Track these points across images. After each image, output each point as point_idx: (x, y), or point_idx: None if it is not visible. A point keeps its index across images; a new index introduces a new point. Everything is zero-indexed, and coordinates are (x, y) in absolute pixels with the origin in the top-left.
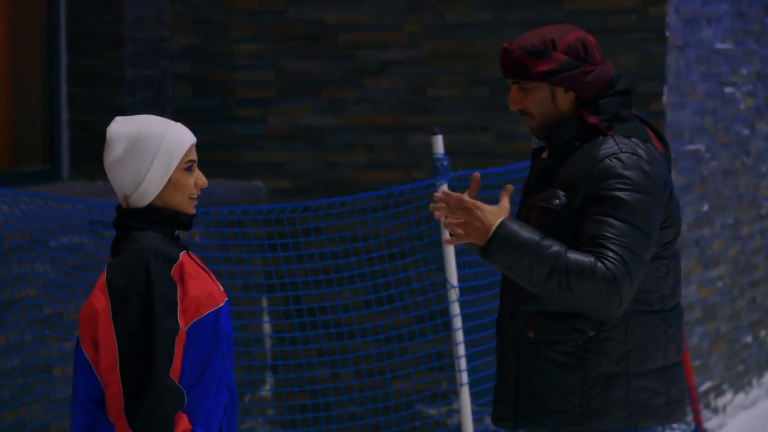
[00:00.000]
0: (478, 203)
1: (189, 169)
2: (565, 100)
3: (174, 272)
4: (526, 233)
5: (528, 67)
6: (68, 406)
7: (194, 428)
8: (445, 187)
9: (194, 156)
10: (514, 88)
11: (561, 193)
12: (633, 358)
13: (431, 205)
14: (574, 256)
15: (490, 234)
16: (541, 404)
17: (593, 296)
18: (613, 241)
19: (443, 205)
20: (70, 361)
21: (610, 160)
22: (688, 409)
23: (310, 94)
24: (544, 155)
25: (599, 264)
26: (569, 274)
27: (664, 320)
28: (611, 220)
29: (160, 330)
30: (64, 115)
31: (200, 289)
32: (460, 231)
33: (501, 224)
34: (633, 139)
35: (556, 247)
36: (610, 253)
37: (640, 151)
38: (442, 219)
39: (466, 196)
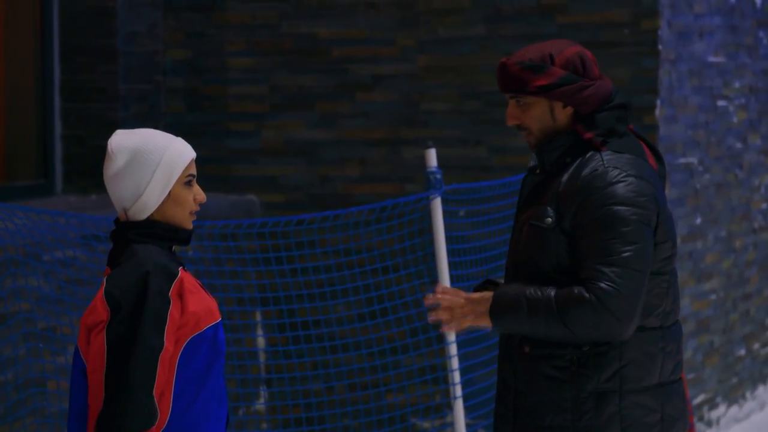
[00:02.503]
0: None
1: (188, 184)
2: (563, 115)
3: (174, 288)
4: (513, 291)
5: (526, 81)
6: (63, 420)
7: None
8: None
9: (194, 171)
10: (512, 103)
11: (551, 212)
12: (627, 375)
13: (430, 305)
14: (560, 293)
15: (490, 305)
16: (536, 420)
17: (588, 324)
18: (599, 262)
19: (442, 303)
20: (64, 375)
21: (592, 176)
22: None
23: (303, 108)
24: (539, 171)
25: (584, 292)
26: (560, 312)
27: (663, 337)
28: (598, 243)
29: (142, 346)
30: (58, 130)
31: (200, 304)
32: (465, 322)
33: (495, 295)
34: (623, 154)
35: (543, 292)
36: (599, 275)
37: (626, 166)
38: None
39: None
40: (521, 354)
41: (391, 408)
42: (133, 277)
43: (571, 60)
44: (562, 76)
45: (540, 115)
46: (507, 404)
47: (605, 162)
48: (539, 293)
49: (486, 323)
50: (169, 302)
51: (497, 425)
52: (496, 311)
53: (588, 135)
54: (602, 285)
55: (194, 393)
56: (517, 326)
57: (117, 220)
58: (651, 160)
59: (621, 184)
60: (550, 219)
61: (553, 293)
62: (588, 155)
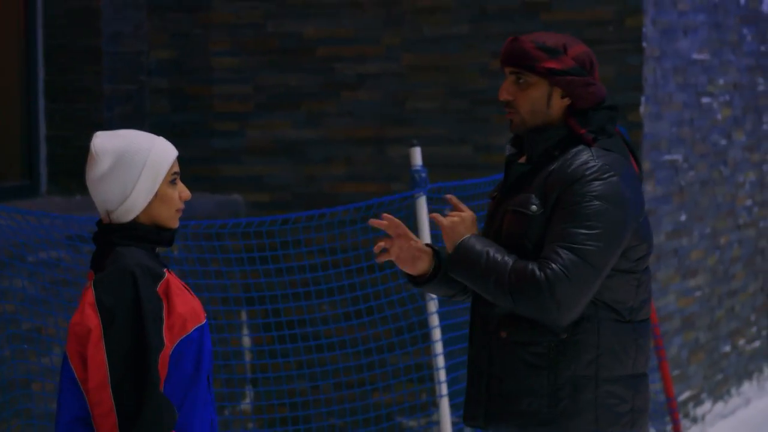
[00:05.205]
0: (410, 234)
1: (173, 183)
2: (557, 104)
3: (160, 289)
4: (480, 246)
5: (537, 60)
6: (47, 421)
7: None
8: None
9: (178, 169)
10: (511, 78)
11: (535, 199)
12: (603, 363)
13: (374, 221)
14: (517, 264)
15: (454, 247)
16: (511, 404)
17: (530, 302)
18: (564, 246)
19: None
20: (49, 377)
21: (580, 169)
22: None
23: (288, 108)
24: (522, 160)
25: (538, 270)
26: (511, 282)
27: (635, 330)
28: (565, 228)
29: (152, 346)
30: (42, 130)
31: (186, 305)
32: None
33: (463, 240)
34: (612, 153)
35: (504, 258)
36: (556, 258)
37: (615, 164)
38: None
39: (401, 225)
40: (497, 339)
41: (377, 407)
42: (122, 283)
43: (581, 56)
44: (573, 66)
45: (537, 97)
46: (480, 387)
47: (595, 156)
48: (500, 257)
49: (407, 265)
50: (161, 300)
51: (468, 407)
52: (456, 257)
53: (581, 130)
54: (555, 267)
55: (182, 396)
56: (467, 278)
57: (99, 223)
58: (634, 164)
59: (606, 182)
60: (535, 207)
61: (511, 262)
62: (578, 149)
